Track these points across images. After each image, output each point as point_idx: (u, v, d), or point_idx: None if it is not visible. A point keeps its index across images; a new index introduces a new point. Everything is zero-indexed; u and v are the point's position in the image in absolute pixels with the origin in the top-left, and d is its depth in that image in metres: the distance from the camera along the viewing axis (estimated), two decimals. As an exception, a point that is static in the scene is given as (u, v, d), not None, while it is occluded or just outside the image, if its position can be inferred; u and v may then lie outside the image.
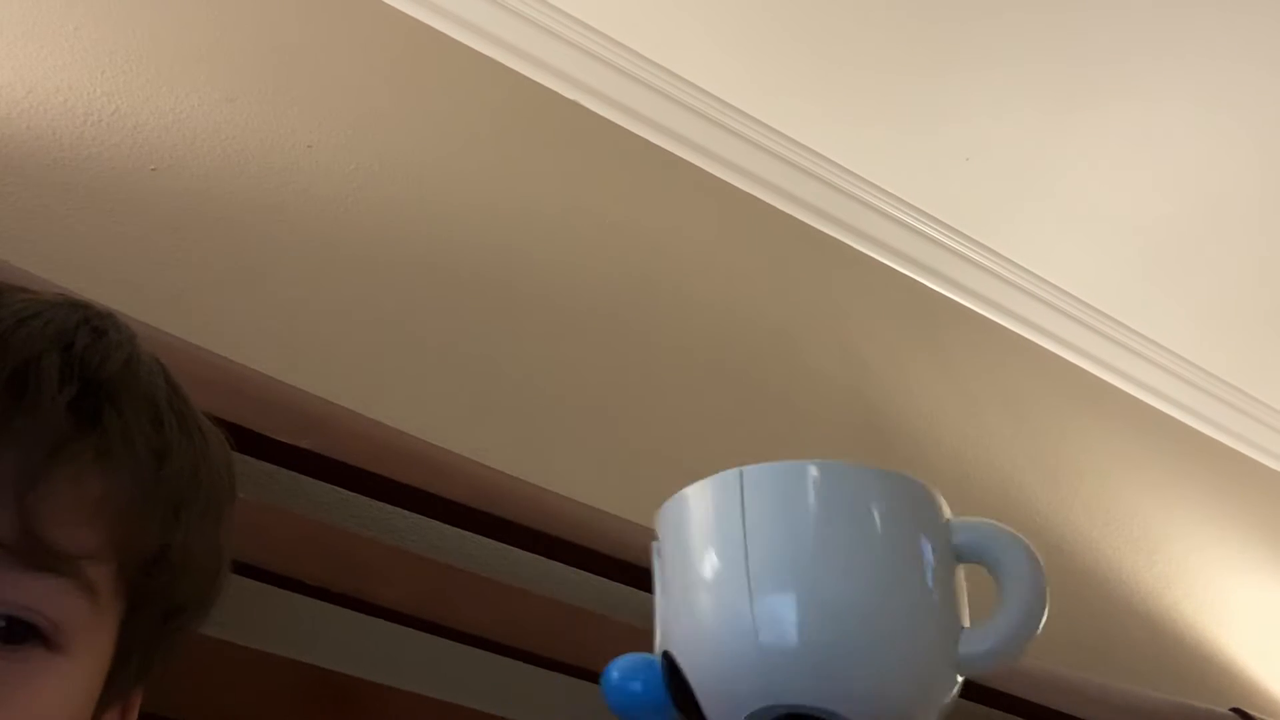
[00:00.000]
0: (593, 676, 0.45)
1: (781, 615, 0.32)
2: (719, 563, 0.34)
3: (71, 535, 0.39)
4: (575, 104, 1.30)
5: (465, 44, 1.24)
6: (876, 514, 0.34)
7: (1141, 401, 1.70)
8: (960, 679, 0.34)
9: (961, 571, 0.35)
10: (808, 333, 1.38)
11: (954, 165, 1.45)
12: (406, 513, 0.84)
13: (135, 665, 0.44)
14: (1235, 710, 1.30)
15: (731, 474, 0.36)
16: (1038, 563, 0.34)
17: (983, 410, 1.50)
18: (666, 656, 0.36)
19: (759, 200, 1.42)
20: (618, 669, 0.38)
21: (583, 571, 0.88)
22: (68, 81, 0.96)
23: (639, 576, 0.63)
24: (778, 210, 1.44)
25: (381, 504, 0.83)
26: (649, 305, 1.25)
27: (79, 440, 0.39)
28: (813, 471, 0.35)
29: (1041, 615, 0.34)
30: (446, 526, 0.84)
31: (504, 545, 0.85)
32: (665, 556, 0.37)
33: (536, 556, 0.86)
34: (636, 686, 0.37)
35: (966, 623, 0.34)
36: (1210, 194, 1.44)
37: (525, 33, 1.27)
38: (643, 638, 0.44)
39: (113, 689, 0.43)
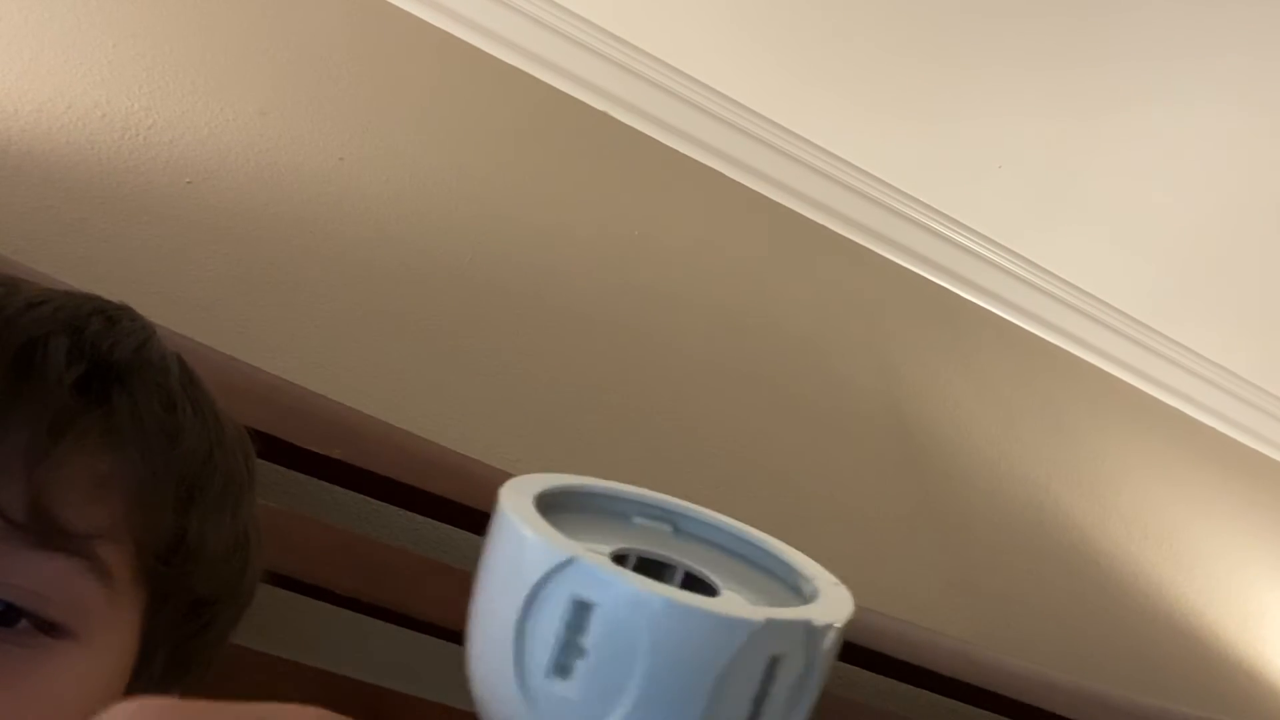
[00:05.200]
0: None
1: None
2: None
3: (81, 512, 0.37)
4: (605, 115, 1.30)
5: (496, 57, 1.25)
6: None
7: (1181, 412, 1.67)
8: None
9: None
10: (839, 342, 1.37)
11: (986, 173, 1.43)
12: (437, 523, 0.84)
13: (164, 661, 0.43)
14: (1281, 730, 1.27)
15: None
16: None
17: (1017, 420, 1.48)
18: None
19: (789, 209, 1.42)
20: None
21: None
22: (106, 97, 0.97)
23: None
24: (808, 219, 1.43)
25: (412, 514, 0.83)
26: (680, 315, 1.25)
27: (85, 416, 0.38)
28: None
29: None
30: (477, 538, 0.84)
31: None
32: None
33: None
34: None
35: None
36: (1248, 198, 1.42)
37: (556, 45, 1.28)
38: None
39: (140, 685, 0.42)
